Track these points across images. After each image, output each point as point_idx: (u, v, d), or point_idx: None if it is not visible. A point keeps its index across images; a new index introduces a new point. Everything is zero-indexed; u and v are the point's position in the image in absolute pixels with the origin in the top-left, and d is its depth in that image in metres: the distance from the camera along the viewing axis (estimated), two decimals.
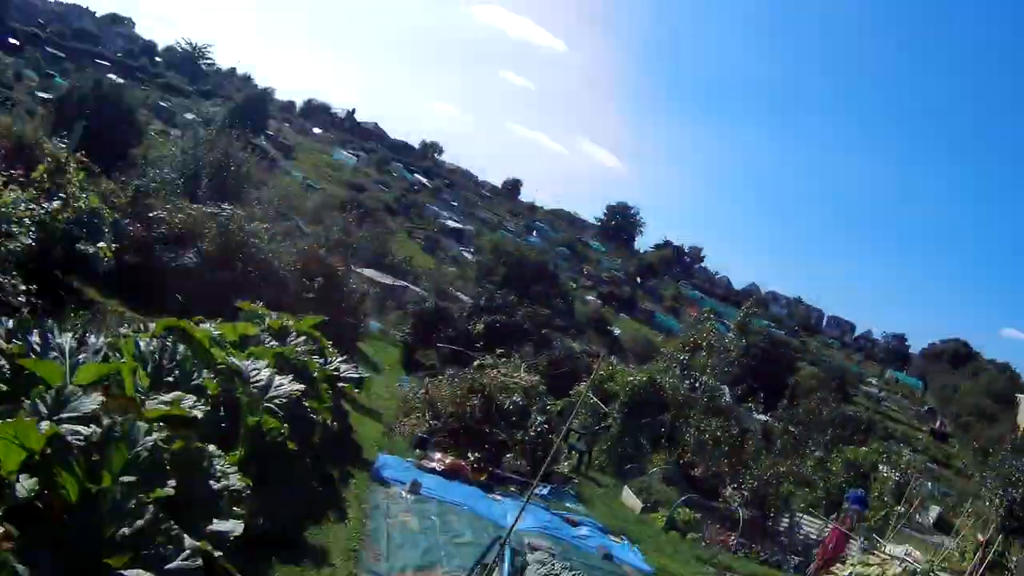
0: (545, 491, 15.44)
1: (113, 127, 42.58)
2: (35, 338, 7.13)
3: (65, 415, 5.66)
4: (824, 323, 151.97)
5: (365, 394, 17.26)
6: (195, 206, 17.32)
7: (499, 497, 13.92)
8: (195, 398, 6.70)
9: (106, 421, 5.52)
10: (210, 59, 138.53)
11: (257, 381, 8.36)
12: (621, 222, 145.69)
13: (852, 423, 44.69)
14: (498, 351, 19.50)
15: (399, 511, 10.82)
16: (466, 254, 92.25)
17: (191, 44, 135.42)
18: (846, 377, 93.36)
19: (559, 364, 25.63)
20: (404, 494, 11.57)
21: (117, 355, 7.23)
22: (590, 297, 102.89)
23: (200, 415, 6.39)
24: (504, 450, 16.11)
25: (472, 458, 14.79)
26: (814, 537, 19.51)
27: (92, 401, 5.77)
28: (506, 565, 5.85)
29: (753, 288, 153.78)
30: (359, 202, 75.02)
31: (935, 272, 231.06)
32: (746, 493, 19.97)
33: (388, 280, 44.72)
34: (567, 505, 15.53)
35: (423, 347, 30.05)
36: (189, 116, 77.46)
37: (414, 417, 16.53)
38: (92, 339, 7.45)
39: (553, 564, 9.75)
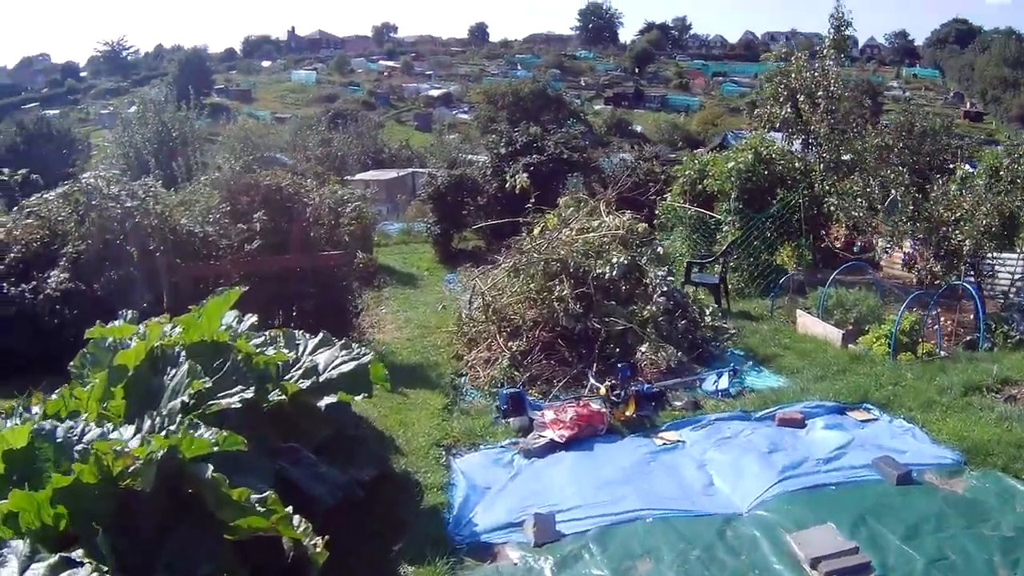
0: (724, 383, 9.34)
1: (50, 160, 39.60)
2: None
3: None
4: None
5: (406, 338, 11.36)
6: (34, 199, 10.70)
7: (672, 437, 7.86)
8: None
9: None
10: (131, 47, 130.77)
11: None
12: (599, 23, 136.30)
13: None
14: (560, 202, 13.13)
15: None
16: (461, 115, 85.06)
17: (107, 43, 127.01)
18: (875, 89, 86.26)
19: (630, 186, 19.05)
20: (531, 561, 5.50)
21: None
22: (598, 106, 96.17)
23: None
24: (633, 340, 9.98)
25: (604, 387, 8.67)
26: None
27: None
28: None
29: (749, 36, 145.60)
30: (334, 111, 67.66)
31: None
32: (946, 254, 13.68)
33: (392, 174, 38.29)
34: (753, 386, 9.50)
35: (457, 230, 23.73)
36: (133, 109, 70.80)
37: (484, 347, 10.39)
38: None
39: None
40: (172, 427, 3.88)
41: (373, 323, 13.40)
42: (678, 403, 8.74)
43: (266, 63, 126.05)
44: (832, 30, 17.68)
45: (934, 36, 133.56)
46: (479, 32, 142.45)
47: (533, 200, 12.86)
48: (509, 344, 9.99)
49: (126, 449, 3.56)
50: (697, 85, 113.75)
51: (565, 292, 9.89)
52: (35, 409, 4.89)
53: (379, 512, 5.84)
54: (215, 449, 3.82)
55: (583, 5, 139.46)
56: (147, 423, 4.01)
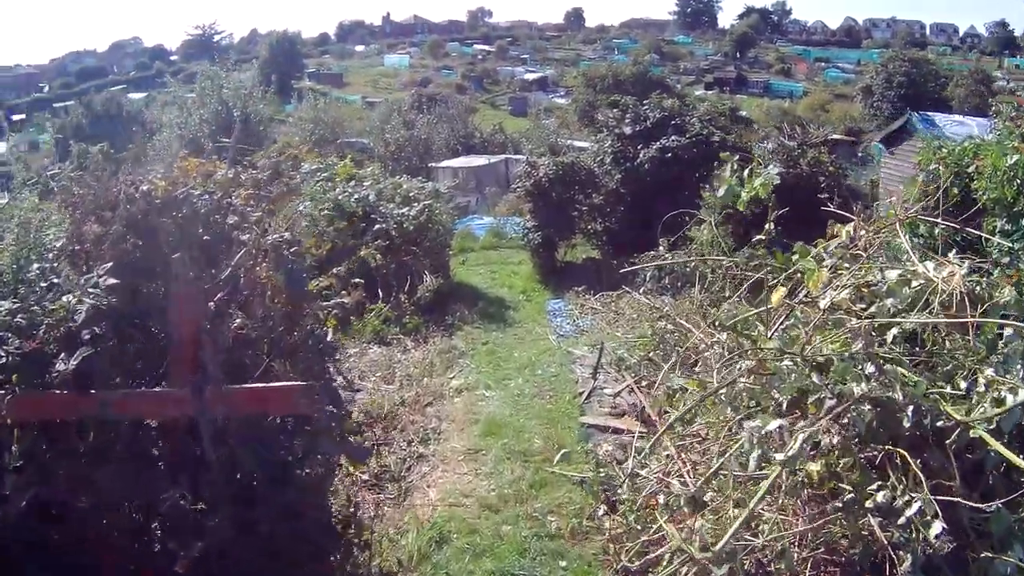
0: None
1: (112, 140, 37.34)
2: None
3: None
4: (928, 33, 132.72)
5: (483, 503, 5.18)
6: None
7: None
8: None
9: None
10: (224, 31, 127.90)
11: None
12: (697, 7, 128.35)
13: None
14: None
15: None
16: (558, 100, 78.45)
17: (199, 27, 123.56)
18: (988, 78, 76.43)
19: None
20: None
21: None
22: (698, 91, 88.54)
23: None
24: None
25: None
26: None
27: None
28: None
29: (850, 22, 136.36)
30: (423, 95, 61.89)
31: None
32: None
33: (482, 160, 32.15)
34: None
35: (563, 238, 17.41)
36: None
37: None
38: None
39: None
40: None
41: (423, 436, 7.21)
42: None
43: (359, 48, 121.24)
44: None
45: None
46: (575, 17, 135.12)
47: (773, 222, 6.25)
48: None
49: None
50: (800, 71, 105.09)
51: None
52: None
53: None
54: None
55: None
56: None
